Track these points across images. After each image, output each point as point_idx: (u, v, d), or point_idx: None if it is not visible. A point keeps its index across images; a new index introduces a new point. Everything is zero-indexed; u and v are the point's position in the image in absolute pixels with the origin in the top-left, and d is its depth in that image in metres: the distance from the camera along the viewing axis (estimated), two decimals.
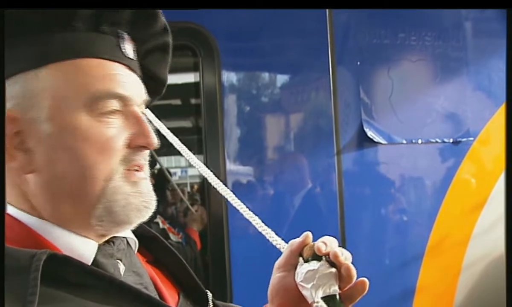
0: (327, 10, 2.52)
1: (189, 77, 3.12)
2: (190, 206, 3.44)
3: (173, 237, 3.08)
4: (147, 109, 0.94)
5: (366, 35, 2.59)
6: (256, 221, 0.96)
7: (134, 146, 0.79)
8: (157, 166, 3.53)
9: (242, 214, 0.99)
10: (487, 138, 2.74)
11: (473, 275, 2.67)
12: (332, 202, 2.52)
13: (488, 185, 2.71)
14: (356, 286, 0.84)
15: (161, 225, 3.02)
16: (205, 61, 2.44)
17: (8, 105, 0.74)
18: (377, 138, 2.57)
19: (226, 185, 1.03)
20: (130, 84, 0.80)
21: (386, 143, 2.58)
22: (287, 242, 0.91)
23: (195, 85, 2.93)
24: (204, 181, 2.72)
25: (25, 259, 0.66)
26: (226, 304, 1.01)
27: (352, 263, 0.83)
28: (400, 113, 2.62)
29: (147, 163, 0.83)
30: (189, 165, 1.10)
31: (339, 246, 0.84)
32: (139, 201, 0.79)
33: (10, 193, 0.76)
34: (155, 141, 0.81)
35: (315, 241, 0.86)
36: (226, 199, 1.02)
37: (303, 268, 0.84)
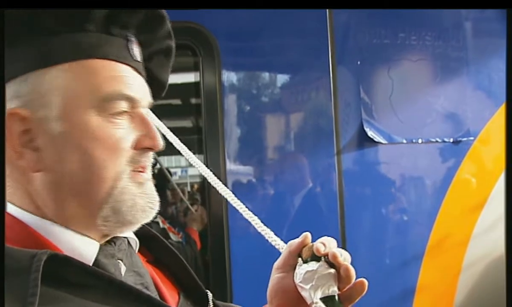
0: (327, 10, 2.52)
1: (189, 77, 3.12)
2: (190, 206, 3.44)
3: (173, 237, 3.08)
4: (147, 109, 0.94)
5: (366, 35, 2.59)
6: (255, 221, 0.96)
7: (140, 148, 0.80)
8: (157, 166, 3.53)
9: (242, 214, 0.99)
10: (487, 138, 2.74)
11: (473, 275, 2.67)
12: (332, 202, 2.53)
13: (488, 184, 2.71)
14: (355, 287, 0.84)
15: (161, 225, 3.03)
16: (205, 60, 2.44)
17: (16, 103, 0.74)
18: (377, 137, 2.57)
19: (226, 185, 1.03)
20: (137, 86, 0.81)
21: (387, 143, 2.58)
22: (287, 242, 0.91)
23: (195, 84, 2.93)
24: (204, 181, 2.72)
25: (26, 260, 0.66)
26: (226, 304, 1.01)
27: (351, 263, 0.83)
28: (401, 112, 2.62)
29: (151, 164, 0.84)
30: (189, 165, 1.10)
31: (339, 246, 0.84)
32: (145, 201, 0.80)
33: (13, 193, 0.76)
34: (161, 143, 0.82)
35: (315, 241, 0.86)
36: (226, 199, 1.02)
37: (302, 269, 0.84)
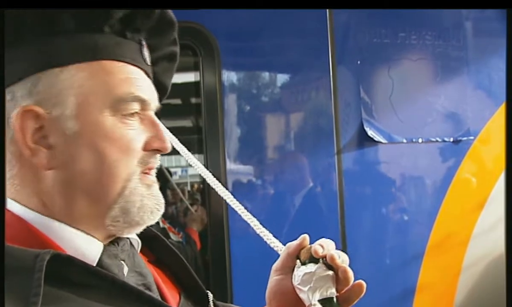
0: (327, 10, 2.52)
1: (189, 77, 3.12)
2: (190, 206, 3.45)
3: (173, 237, 3.08)
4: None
5: (366, 34, 2.59)
6: (254, 223, 0.97)
7: (150, 149, 0.80)
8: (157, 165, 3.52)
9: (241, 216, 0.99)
10: (487, 138, 2.74)
11: (474, 274, 2.67)
12: (332, 201, 2.53)
13: (489, 184, 2.71)
14: (353, 289, 0.85)
15: (161, 225, 3.03)
16: (206, 60, 2.44)
17: (31, 101, 0.74)
18: (377, 137, 2.57)
19: (226, 185, 1.03)
20: (147, 89, 0.82)
21: (387, 143, 2.58)
22: (287, 242, 0.91)
23: (196, 84, 2.93)
24: (204, 181, 2.72)
25: (29, 259, 0.66)
26: (227, 305, 1.01)
27: (350, 264, 0.84)
28: (401, 112, 2.62)
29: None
30: (189, 165, 1.11)
31: (339, 246, 0.85)
32: (153, 203, 0.81)
33: (20, 191, 0.76)
34: (169, 145, 0.83)
35: (314, 242, 0.86)
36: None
37: (300, 271, 0.84)
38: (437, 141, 2.67)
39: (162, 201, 0.84)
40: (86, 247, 0.76)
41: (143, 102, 0.80)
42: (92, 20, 0.77)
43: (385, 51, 2.63)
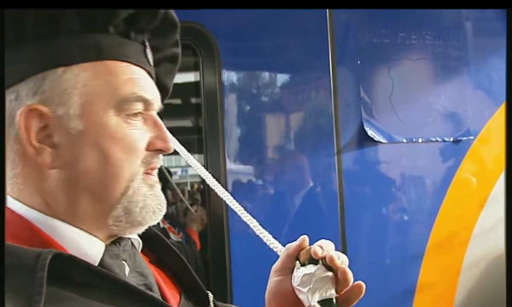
0: (327, 10, 2.52)
1: (189, 77, 3.12)
2: (189, 207, 3.45)
3: (173, 237, 3.08)
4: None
5: (366, 34, 2.59)
6: (253, 224, 0.96)
7: (153, 149, 0.81)
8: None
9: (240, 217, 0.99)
10: (487, 137, 2.75)
11: (474, 274, 2.67)
12: (332, 201, 2.53)
13: (489, 184, 2.71)
14: (352, 290, 0.85)
15: (161, 225, 3.03)
16: (206, 60, 2.44)
17: (35, 100, 0.74)
18: (377, 137, 2.57)
19: (226, 185, 1.03)
20: (150, 89, 0.82)
21: (387, 142, 2.58)
22: (287, 242, 0.91)
23: (196, 84, 2.93)
24: (204, 181, 2.72)
25: (31, 258, 0.66)
26: (227, 305, 1.01)
27: (349, 265, 0.84)
28: (401, 112, 2.62)
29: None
30: (189, 165, 1.11)
31: (339, 246, 0.85)
32: (155, 203, 0.81)
33: (22, 190, 0.76)
34: (172, 145, 0.83)
35: (314, 243, 0.86)
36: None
37: (299, 272, 0.84)
38: (437, 141, 2.67)
39: (164, 201, 0.84)
40: (88, 247, 0.76)
41: (146, 102, 0.80)
42: (96, 20, 0.77)
43: (385, 51, 2.63)
